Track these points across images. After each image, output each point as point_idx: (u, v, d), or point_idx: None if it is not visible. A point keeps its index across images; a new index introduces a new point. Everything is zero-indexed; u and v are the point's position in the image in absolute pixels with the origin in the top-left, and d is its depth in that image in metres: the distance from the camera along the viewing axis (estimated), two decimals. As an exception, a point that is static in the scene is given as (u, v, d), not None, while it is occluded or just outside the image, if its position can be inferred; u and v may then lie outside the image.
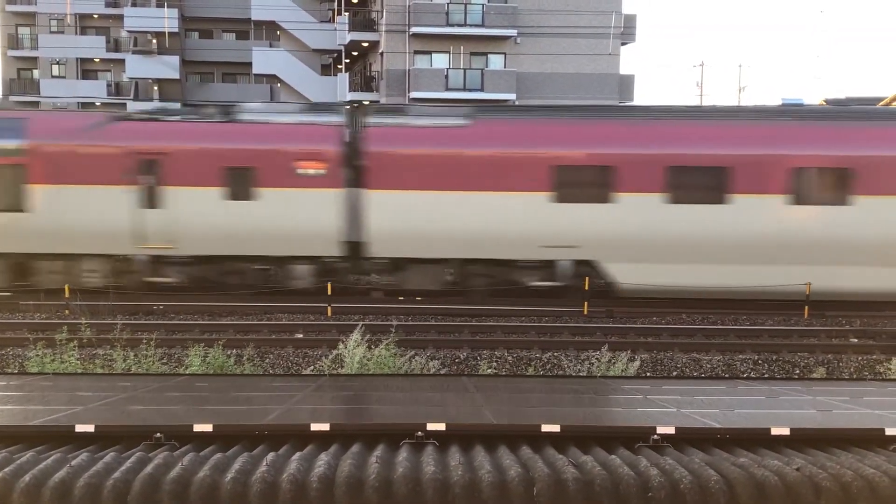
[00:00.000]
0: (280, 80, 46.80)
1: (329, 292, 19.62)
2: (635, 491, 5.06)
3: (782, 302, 20.41)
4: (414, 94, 38.64)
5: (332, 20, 46.47)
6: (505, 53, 40.66)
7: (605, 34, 40.21)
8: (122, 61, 54.01)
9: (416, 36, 39.62)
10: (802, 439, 6.08)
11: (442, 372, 14.69)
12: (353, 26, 42.84)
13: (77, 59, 57.01)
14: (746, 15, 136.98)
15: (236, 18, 54.31)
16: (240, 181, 20.24)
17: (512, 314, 19.80)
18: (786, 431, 6.10)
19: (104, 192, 20.23)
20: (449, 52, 40.42)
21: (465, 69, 39.85)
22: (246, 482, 4.98)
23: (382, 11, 40.63)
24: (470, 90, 39.19)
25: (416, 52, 40.31)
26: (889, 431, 6.12)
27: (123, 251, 20.53)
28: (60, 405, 7.16)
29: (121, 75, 55.78)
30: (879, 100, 23.72)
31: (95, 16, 57.52)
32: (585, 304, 20.03)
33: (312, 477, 5.02)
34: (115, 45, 57.15)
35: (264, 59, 46.46)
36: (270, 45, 50.66)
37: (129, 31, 54.11)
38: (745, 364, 16.26)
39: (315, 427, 5.99)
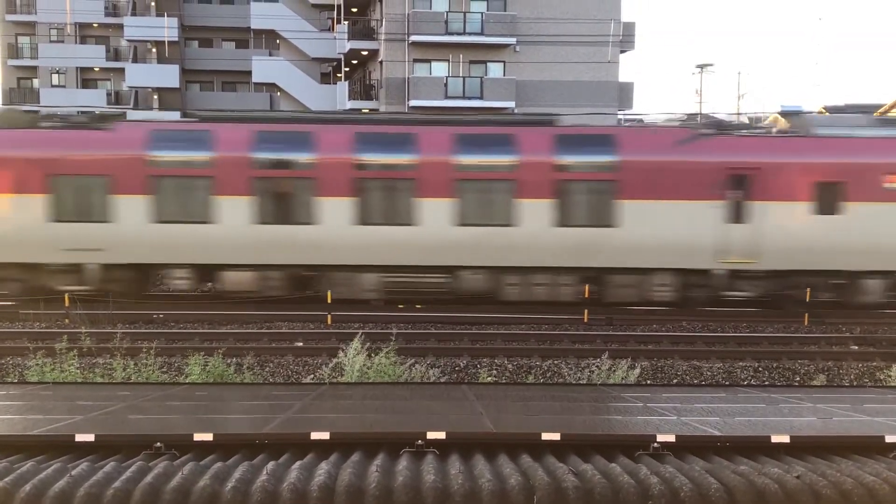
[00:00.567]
0: (280, 89, 46.86)
1: (329, 300, 19.60)
2: (635, 499, 5.05)
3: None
4: (413, 103, 38.69)
5: (331, 29, 46.53)
6: (504, 61, 40.71)
7: (604, 42, 40.28)
8: (122, 70, 54.06)
9: (415, 44, 39.69)
10: (802, 447, 6.08)
11: (442, 380, 14.68)
12: (353, 35, 42.90)
13: (77, 68, 57.08)
14: (745, 22, 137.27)
15: (236, 27, 54.37)
16: (829, 195, 20.26)
17: (512, 322, 19.79)
18: (786, 439, 6.10)
19: (690, 207, 20.25)
20: (448, 61, 40.46)
21: (464, 77, 39.88)
22: (246, 491, 4.98)
23: (382, 20, 40.72)
24: (469, 98, 39.25)
25: (416, 61, 40.36)
26: (889, 439, 6.11)
27: (700, 265, 20.52)
28: (61, 415, 7.17)
29: (120, 84, 55.85)
30: (878, 107, 23.76)
31: (95, 25, 57.60)
32: (585, 311, 20.03)
33: (313, 486, 5.02)
34: (114, 55, 57.24)
35: (264, 67, 46.51)
36: (270, 54, 50.71)
37: (128, 41, 54.19)
38: (745, 371, 16.26)
39: (315, 436, 5.99)
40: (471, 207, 20.30)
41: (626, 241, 20.27)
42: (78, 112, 21.94)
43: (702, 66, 55.16)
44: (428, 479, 5.11)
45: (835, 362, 16.80)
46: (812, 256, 20.36)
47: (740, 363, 16.67)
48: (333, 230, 20.27)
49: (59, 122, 21.33)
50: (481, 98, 39.29)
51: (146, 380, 13.19)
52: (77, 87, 56.75)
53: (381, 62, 41.23)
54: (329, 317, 19.52)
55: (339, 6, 44.36)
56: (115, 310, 19.45)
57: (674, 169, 20.22)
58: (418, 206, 20.22)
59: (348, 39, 42.62)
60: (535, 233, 20.26)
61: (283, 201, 20.39)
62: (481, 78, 39.84)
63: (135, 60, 54.26)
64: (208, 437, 5.97)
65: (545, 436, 6.04)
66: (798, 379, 16.07)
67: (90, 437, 5.96)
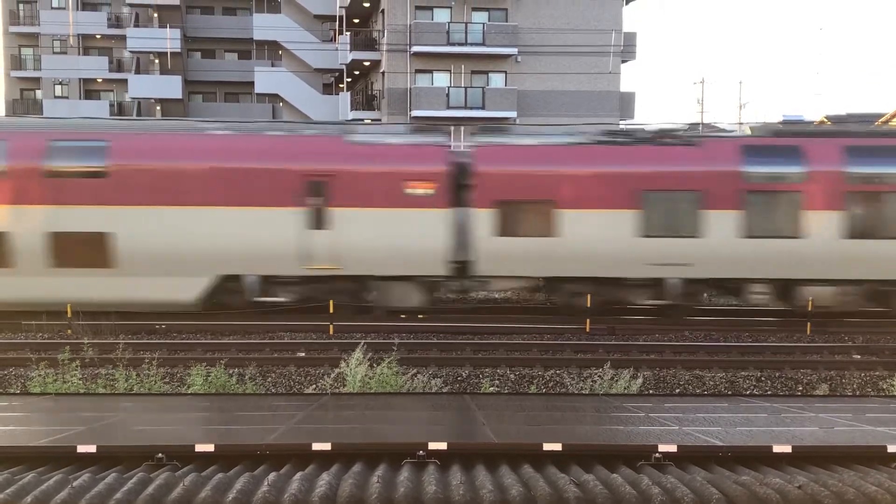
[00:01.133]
0: (282, 100, 46.99)
1: (331, 310, 19.61)
2: (637, 510, 5.04)
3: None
4: (415, 113, 38.78)
5: (333, 40, 46.69)
6: (506, 72, 40.82)
7: (606, 52, 40.39)
8: (125, 81, 54.23)
9: (417, 55, 39.80)
10: (805, 457, 6.07)
11: (444, 390, 14.67)
12: (355, 46, 43.05)
13: (80, 79, 57.26)
14: (747, 32, 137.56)
15: (238, 38, 54.55)
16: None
17: (514, 332, 19.77)
18: (788, 449, 6.08)
19: None
20: (450, 71, 40.58)
21: (466, 88, 39.99)
22: (247, 502, 4.97)
23: (384, 31, 40.85)
24: (471, 108, 39.34)
25: (418, 71, 40.48)
26: (892, 449, 6.10)
27: None
28: (62, 426, 7.17)
29: (123, 95, 56.00)
30: (879, 116, 23.79)
31: (98, 36, 57.80)
32: (587, 321, 20.01)
33: (314, 497, 5.02)
34: (117, 66, 57.42)
35: (266, 78, 46.67)
36: (272, 65, 50.90)
37: (131, 52, 54.37)
38: (747, 381, 16.23)
39: (317, 446, 5.99)
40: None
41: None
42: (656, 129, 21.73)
43: (700, 82, 55.06)
44: (429, 490, 5.10)
45: (837, 372, 16.77)
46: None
47: (743, 373, 16.64)
48: None
49: (642, 138, 21.20)
50: (483, 108, 39.39)
51: (148, 391, 13.20)
52: (80, 99, 56.93)
53: (383, 73, 41.35)
54: (331, 327, 19.52)
55: (341, 17, 44.54)
56: (117, 320, 19.46)
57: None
58: None
59: (350, 50, 42.77)
60: None
61: (878, 215, 20.31)
62: (483, 88, 39.94)
63: (137, 71, 54.43)
64: (210, 447, 5.96)
65: (547, 446, 6.02)
66: (800, 388, 16.05)
67: (92, 448, 5.96)
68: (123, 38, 54.37)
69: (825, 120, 23.37)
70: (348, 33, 43.54)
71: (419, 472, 5.55)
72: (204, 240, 20.02)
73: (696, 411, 8.23)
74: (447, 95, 39.58)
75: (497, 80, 40.92)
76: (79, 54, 57.13)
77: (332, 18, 46.60)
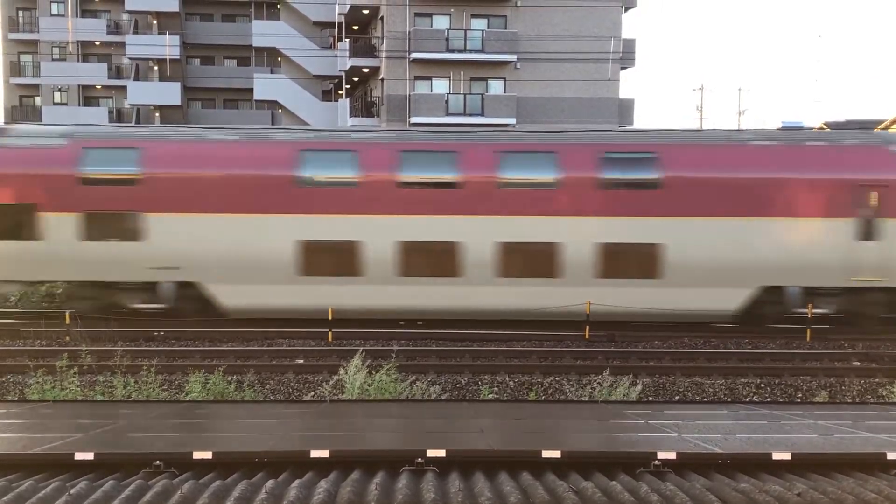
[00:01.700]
0: (281, 106, 47.02)
1: (329, 317, 19.59)
2: (636, 517, 5.03)
3: None
4: (415, 119, 38.80)
5: (332, 46, 46.74)
6: (505, 78, 40.85)
7: (605, 59, 40.42)
8: (124, 88, 54.25)
9: (416, 62, 39.84)
10: (804, 464, 6.05)
11: (443, 398, 14.65)
12: (354, 52, 43.08)
13: (79, 86, 57.30)
14: (746, 39, 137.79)
15: (237, 45, 54.60)
16: None
17: (513, 339, 19.74)
18: (787, 456, 6.07)
19: None
20: (449, 78, 40.61)
21: (465, 94, 40.02)
22: (245, 510, 4.96)
23: (383, 38, 40.89)
24: (470, 115, 39.35)
25: (417, 78, 40.50)
26: (891, 456, 6.09)
27: None
28: (60, 433, 7.15)
29: (122, 102, 56.03)
30: (879, 122, 23.80)
31: (97, 43, 57.85)
32: (587, 328, 19.99)
33: (312, 504, 5.00)
34: (116, 72, 57.47)
35: (266, 85, 46.69)
36: (272, 72, 50.94)
37: (130, 58, 54.41)
38: (747, 388, 16.21)
39: (314, 454, 5.97)
40: None
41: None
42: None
43: (699, 89, 55.15)
44: (427, 498, 5.09)
45: (837, 379, 16.76)
46: None
47: (742, 379, 16.62)
48: None
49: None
50: (482, 115, 39.41)
51: (147, 397, 13.18)
52: (79, 105, 56.96)
53: (382, 79, 41.38)
54: (330, 334, 19.50)
55: (340, 24, 44.60)
56: (116, 327, 19.43)
57: None
58: None
59: (349, 57, 42.81)
60: None
61: None
62: (482, 95, 39.96)
63: (136, 78, 54.49)
64: (208, 455, 5.95)
65: (546, 453, 6.01)
66: (800, 395, 16.03)
67: (89, 456, 5.94)
68: (122, 44, 54.42)
69: (824, 126, 23.38)
70: (347, 40, 43.60)
71: (418, 480, 5.53)
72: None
73: (695, 418, 8.22)
74: (446, 102, 39.60)
75: (496, 87, 40.94)
76: (78, 61, 57.14)
77: (331, 25, 46.65)
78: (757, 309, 20.52)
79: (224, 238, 20.09)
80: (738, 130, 23.46)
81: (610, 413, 8.78)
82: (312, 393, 15.21)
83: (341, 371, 13.87)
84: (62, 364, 14.07)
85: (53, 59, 57.13)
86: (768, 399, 15.69)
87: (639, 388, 14.26)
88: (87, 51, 58.41)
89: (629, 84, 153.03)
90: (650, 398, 15.21)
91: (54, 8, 57.67)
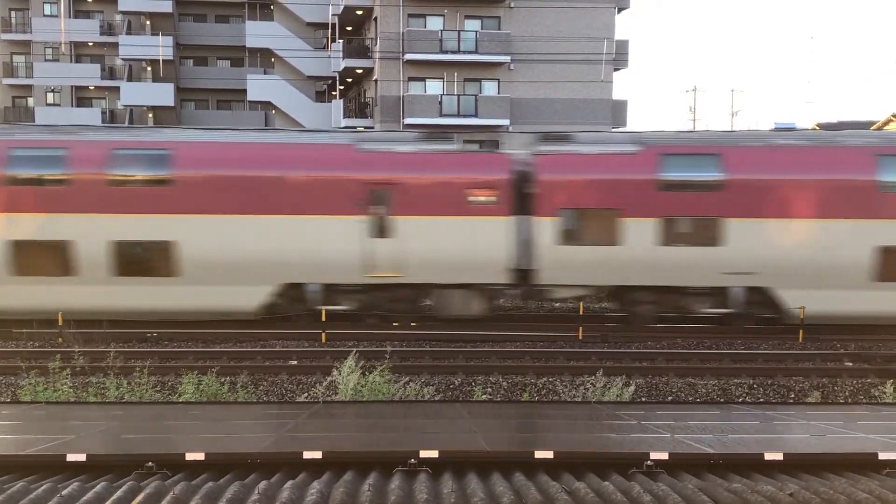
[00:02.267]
0: (274, 107, 46.98)
1: (323, 318, 19.57)
2: (629, 518, 5.03)
3: None
4: (408, 121, 38.81)
5: (326, 47, 46.73)
6: (498, 80, 40.90)
7: (598, 60, 40.48)
8: (117, 89, 54.12)
9: (410, 62, 39.85)
10: (796, 464, 6.07)
11: (436, 398, 14.64)
12: (348, 53, 43.07)
13: (72, 86, 57.12)
14: (739, 40, 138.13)
15: (231, 46, 54.50)
16: None
17: (507, 339, 19.75)
18: (779, 457, 6.08)
19: None
20: (443, 79, 40.64)
21: (458, 95, 40.05)
22: (238, 511, 4.95)
23: (376, 39, 40.89)
24: (464, 116, 39.37)
25: (411, 79, 40.52)
26: (883, 456, 6.11)
27: None
28: (53, 434, 7.13)
29: (115, 103, 55.89)
30: (871, 123, 23.91)
31: (90, 44, 57.68)
32: (580, 328, 20.00)
33: (305, 505, 5.00)
34: (109, 73, 57.32)
35: (259, 86, 46.65)
36: (265, 73, 50.87)
37: (123, 59, 54.28)
38: (740, 388, 16.24)
39: (307, 455, 5.97)
40: None
41: None
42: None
43: (692, 90, 55.25)
44: (420, 499, 5.09)
45: (829, 379, 16.80)
46: None
47: (735, 380, 16.64)
48: None
49: None
50: (476, 116, 39.45)
51: (139, 399, 13.14)
52: (72, 106, 56.78)
53: (375, 80, 41.38)
54: (323, 335, 19.48)
55: (333, 25, 44.59)
56: (107, 328, 19.37)
57: None
58: None
59: (343, 58, 42.80)
60: None
61: None
62: (476, 96, 40.01)
63: (130, 79, 54.36)
64: (200, 456, 5.94)
65: (538, 454, 6.02)
66: (792, 396, 16.06)
67: (81, 457, 5.93)
68: (116, 45, 54.26)
69: (817, 127, 23.46)
70: (341, 41, 43.59)
71: (410, 481, 5.53)
72: None
73: (688, 419, 8.24)
74: (440, 103, 39.61)
75: (490, 88, 40.99)
76: (71, 62, 56.97)
77: (324, 26, 46.65)
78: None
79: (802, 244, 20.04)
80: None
81: (603, 413, 8.80)
82: (306, 394, 15.18)
83: (335, 372, 13.84)
84: (55, 365, 14.01)
85: (46, 60, 56.92)
86: (761, 400, 15.72)
87: (632, 388, 14.26)
88: (80, 51, 58.25)
89: (622, 85, 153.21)
90: (643, 399, 15.22)
91: (47, 8, 57.47)
